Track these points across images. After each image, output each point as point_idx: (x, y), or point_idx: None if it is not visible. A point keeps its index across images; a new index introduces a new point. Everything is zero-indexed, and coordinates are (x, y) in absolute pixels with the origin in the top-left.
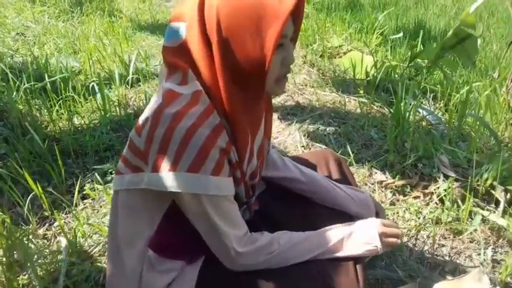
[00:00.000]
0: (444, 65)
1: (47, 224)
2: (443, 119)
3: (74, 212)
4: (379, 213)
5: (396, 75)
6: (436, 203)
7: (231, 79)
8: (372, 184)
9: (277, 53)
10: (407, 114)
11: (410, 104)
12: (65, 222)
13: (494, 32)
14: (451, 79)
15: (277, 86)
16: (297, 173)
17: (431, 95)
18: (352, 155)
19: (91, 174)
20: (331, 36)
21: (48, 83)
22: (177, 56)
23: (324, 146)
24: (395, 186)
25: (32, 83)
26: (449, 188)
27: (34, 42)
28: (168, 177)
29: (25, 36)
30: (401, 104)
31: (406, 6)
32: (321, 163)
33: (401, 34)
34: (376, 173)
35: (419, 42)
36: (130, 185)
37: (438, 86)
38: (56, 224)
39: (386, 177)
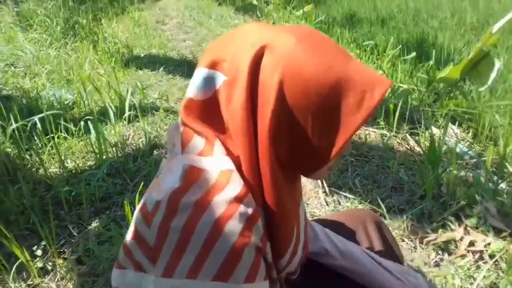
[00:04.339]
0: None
1: None
2: (473, 152)
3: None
4: None
5: (414, 101)
6: (485, 262)
7: (278, 164)
8: (411, 240)
9: None
10: (440, 150)
11: (442, 140)
12: None
13: None
14: (474, 104)
15: (324, 174)
16: (331, 248)
17: (456, 123)
18: (384, 209)
19: (86, 230)
20: None
21: (38, 121)
22: (201, 114)
23: (349, 195)
24: (438, 243)
25: (20, 123)
26: (504, 247)
27: (25, 73)
28: (185, 286)
29: (15, 67)
30: (436, 144)
31: (405, 19)
32: (359, 228)
33: (414, 54)
34: (412, 225)
35: (433, 62)
36: (133, 285)
37: (464, 114)
38: None
39: (426, 231)
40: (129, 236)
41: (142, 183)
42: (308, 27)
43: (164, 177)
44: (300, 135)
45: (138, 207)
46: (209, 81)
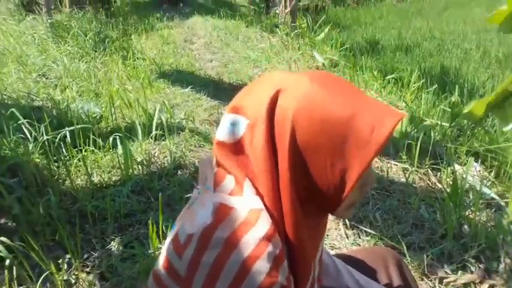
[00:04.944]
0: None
1: None
2: (495, 193)
3: None
4: None
5: (437, 136)
6: None
7: (298, 201)
8: (430, 280)
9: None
10: (463, 189)
11: (465, 179)
12: None
13: None
14: (497, 142)
15: (348, 211)
16: (353, 285)
17: (479, 160)
18: (405, 246)
19: (109, 246)
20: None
21: (67, 134)
22: (231, 155)
23: (370, 230)
24: (457, 284)
25: (50, 135)
26: None
27: (56, 85)
28: None
29: (47, 78)
30: (459, 183)
31: (429, 49)
32: (380, 267)
33: (435, 86)
34: (432, 264)
35: (456, 96)
36: None
37: (487, 151)
38: None
39: (446, 271)
40: (160, 265)
41: (163, 203)
42: (323, 71)
43: (197, 211)
44: (314, 172)
45: (169, 236)
46: (235, 125)
